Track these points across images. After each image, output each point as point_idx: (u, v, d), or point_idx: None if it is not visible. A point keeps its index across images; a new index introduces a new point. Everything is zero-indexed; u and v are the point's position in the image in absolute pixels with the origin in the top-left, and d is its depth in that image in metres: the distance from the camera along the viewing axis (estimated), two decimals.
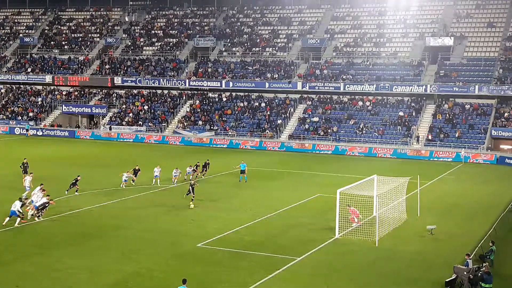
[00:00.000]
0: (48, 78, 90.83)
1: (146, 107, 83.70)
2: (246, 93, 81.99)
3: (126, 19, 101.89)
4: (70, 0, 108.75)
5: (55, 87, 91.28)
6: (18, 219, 33.54)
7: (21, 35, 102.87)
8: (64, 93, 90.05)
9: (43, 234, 32.67)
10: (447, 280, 24.71)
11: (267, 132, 74.17)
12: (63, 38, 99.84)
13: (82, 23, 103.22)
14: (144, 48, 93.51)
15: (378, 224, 31.68)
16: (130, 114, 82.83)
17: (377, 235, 31.42)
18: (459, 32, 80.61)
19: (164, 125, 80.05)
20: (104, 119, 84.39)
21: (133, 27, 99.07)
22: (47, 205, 35.31)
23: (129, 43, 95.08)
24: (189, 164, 49.92)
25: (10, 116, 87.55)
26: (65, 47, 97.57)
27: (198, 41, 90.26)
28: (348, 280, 26.42)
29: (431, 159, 65.39)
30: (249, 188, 46.90)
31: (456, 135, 68.12)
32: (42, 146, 71.71)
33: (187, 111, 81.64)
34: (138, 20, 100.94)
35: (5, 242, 30.92)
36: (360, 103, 76.36)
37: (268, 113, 77.67)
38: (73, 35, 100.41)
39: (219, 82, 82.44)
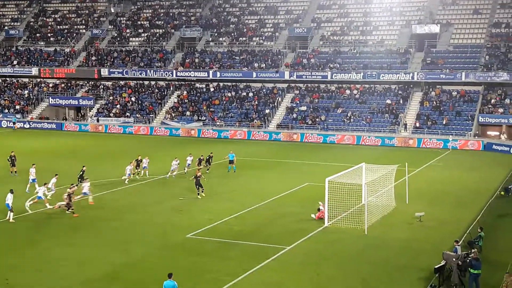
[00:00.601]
0: (34, 71, 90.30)
1: (133, 99, 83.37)
2: (233, 83, 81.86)
3: (112, 10, 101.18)
4: None
5: (42, 79, 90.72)
6: (11, 213, 33.29)
7: (6, 27, 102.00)
8: (50, 85, 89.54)
9: (32, 226, 32.58)
10: (436, 266, 24.83)
11: (255, 122, 74.14)
12: (48, 30, 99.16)
13: (67, 15, 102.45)
14: (131, 39, 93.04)
15: (367, 212, 31.79)
16: (118, 106, 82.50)
17: (366, 223, 31.55)
18: (445, 19, 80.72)
19: (152, 116, 79.82)
20: (92, 111, 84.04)
21: (119, 18, 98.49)
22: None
23: (115, 34, 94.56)
24: (189, 153, 49.40)
25: None
26: (51, 39, 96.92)
27: (185, 31, 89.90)
28: (338, 268, 26.51)
29: (419, 147, 65.71)
30: (238, 178, 46.94)
31: (444, 122, 68.38)
32: (30, 139, 71.31)
33: (174, 102, 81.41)
34: (124, 11, 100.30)
35: None
36: (348, 91, 76.43)
37: (256, 102, 77.61)
38: (58, 27, 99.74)
39: (206, 73, 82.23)
